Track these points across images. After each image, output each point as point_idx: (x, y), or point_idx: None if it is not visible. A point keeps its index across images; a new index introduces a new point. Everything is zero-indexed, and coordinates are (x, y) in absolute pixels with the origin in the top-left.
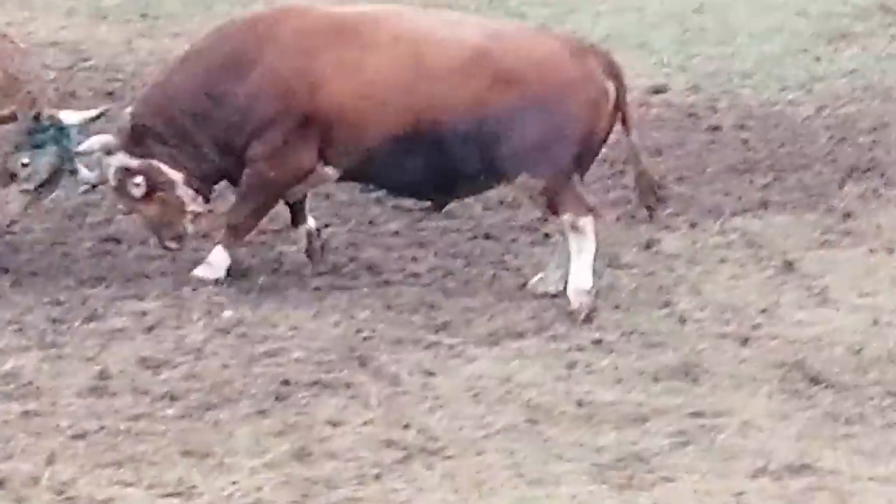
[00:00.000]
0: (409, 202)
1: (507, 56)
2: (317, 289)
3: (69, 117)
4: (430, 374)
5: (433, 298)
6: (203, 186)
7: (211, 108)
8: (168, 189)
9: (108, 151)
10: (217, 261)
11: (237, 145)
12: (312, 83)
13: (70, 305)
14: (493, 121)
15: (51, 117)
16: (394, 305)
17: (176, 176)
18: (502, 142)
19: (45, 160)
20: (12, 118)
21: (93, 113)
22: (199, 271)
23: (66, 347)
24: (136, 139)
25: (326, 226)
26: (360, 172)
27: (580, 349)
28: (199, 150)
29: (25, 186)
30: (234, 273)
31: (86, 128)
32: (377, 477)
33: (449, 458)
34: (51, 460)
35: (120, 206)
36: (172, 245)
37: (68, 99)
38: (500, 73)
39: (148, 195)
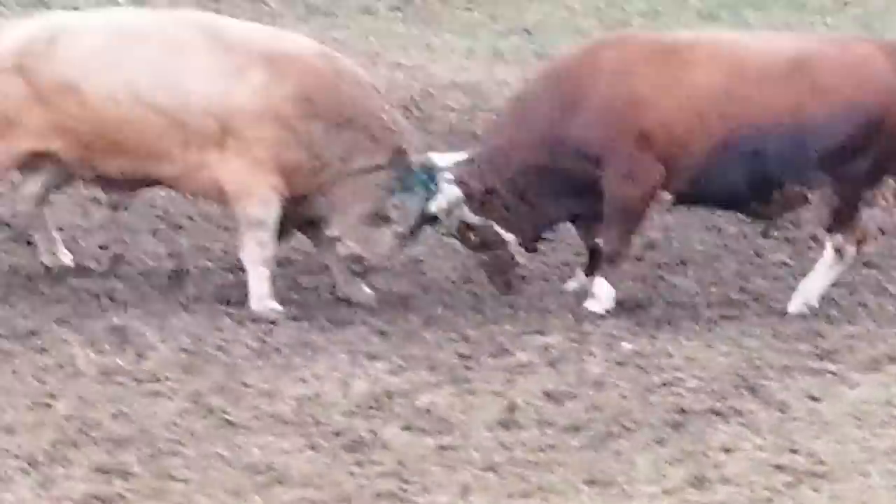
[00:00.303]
0: (789, 234)
1: (825, 62)
2: (708, 319)
3: (440, 160)
4: (816, 399)
5: (818, 326)
6: (531, 243)
7: (551, 156)
8: (501, 247)
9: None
10: (602, 293)
11: (584, 180)
12: (638, 103)
13: (478, 341)
14: (810, 127)
15: (422, 161)
16: (780, 334)
17: (509, 237)
18: (816, 148)
19: (415, 203)
20: (385, 166)
21: (463, 155)
22: (588, 305)
23: (476, 382)
24: (481, 203)
25: (716, 257)
26: (689, 191)
27: None
28: (533, 208)
29: (397, 229)
30: (630, 306)
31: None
32: (768, 501)
33: (835, 481)
34: (465, 492)
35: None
36: (503, 289)
37: (470, 140)
38: (819, 80)
39: (482, 245)
